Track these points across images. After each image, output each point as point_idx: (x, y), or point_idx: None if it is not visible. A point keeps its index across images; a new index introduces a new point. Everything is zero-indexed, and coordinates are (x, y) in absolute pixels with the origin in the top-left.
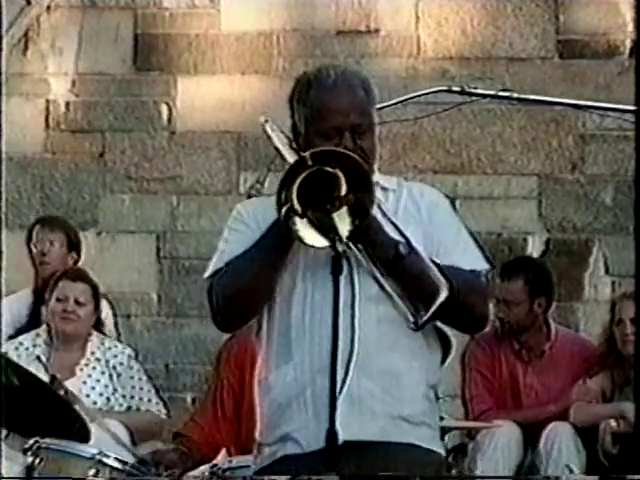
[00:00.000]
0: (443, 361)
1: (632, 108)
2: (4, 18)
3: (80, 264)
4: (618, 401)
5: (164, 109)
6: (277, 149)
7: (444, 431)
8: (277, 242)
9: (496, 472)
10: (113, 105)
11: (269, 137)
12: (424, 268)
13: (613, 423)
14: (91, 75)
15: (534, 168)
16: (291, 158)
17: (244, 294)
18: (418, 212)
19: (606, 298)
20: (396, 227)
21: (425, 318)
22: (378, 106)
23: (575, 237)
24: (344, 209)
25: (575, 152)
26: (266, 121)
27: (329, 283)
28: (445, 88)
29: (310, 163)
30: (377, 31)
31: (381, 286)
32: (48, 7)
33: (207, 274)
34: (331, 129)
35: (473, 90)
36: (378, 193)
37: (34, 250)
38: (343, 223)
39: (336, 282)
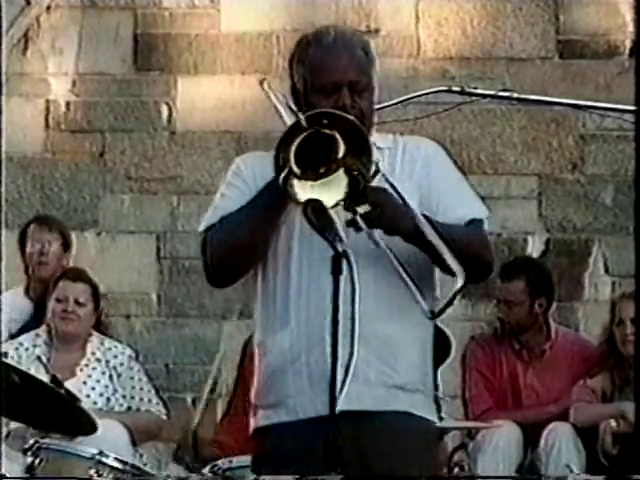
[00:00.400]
0: (442, 362)
1: (632, 108)
2: (4, 18)
3: (80, 264)
4: (618, 401)
5: (164, 109)
6: (275, 108)
7: (443, 431)
8: (273, 200)
9: (496, 472)
10: (113, 105)
11: (268, 97)
12: (437, 250)
13: (613, 423)
14: (91, 75)
15: (534, 168)
16: (289, 118)
17: (237, 250)
18: (414, 167)
19: (606, 298)
20: (403, 200)
21: (441, 307)
22: (378, 106)
23: (575, 237)
24: (341, 171)
25: (575, 152)
26: (264, 80)
27: (327, 249)
28: (445, 88)
29: (305, 125)
30: (377, 31)
31: (395, 268)
32: (48, 7)
33: (201, 228)
34: (329, 85)
35: (473, 90)
36: (375, 154)
37: (30, 249)
38: (339, 185)
39: (336, 280)
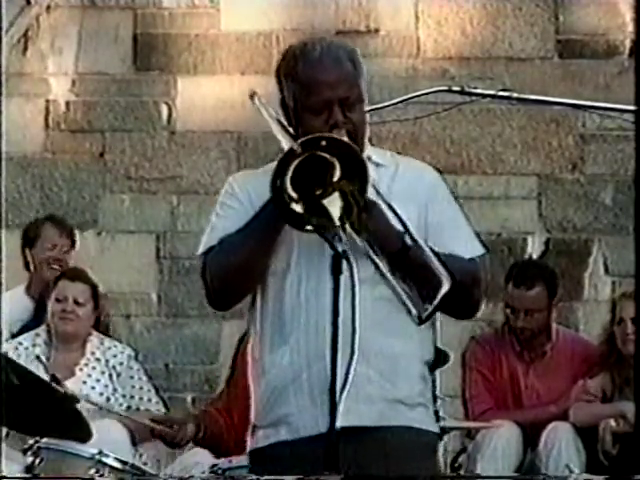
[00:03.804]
0: (436, 367)
1: (632, 108)
2: (4, 18)
3: (80, 264)
4: (618, 401)
5: (164, 109)
6: (269, 122)
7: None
8: (270, 221)
9: (496, 472)
10: (113, 105)
11: (259, 110)
12: (426, 259)
13: (613, 423)
14: (91, 75)
15: (534, 168)
16: (279, 134)
17: (237, 273)
18: (416, 193)
19: (606, 298)
20: (397, 215)
21: (429, 311)
22: (378, 106)
23: (575, 237)
24: (336, 194)
25: (575, 152)
26: (254, 94)
27: (325, 266)
28: (445, 88)
29: (300, 151)
30: (377, 31)
31: (382, 274)
32: (48, 7)
33: (200, 251)
34: (320, 103)
35: (473, 90)
36: (371, 170)
37: (42, 251)
38: (334, 208)
39: (336, 280)
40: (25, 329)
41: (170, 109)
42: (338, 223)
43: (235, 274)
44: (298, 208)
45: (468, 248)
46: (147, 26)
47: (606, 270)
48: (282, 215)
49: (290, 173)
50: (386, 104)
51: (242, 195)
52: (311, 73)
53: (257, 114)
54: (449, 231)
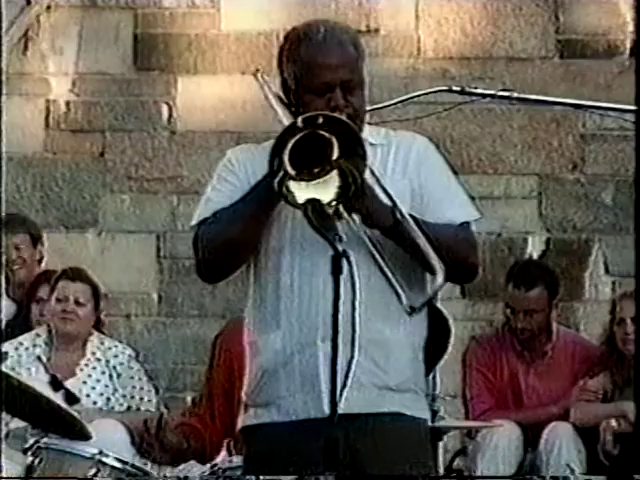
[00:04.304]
0: (443, 351)
1: (632, 108)
2: (4, 18)
3: (80, 264)
4: (619, 401)
5: (164, 109)
6: (268, 100)
7: (441, 431)
8: (265, 197)
9: (496, 472)
10: (113, 105)
11: (261, 87)
12: (419, 241)
13: (614, 423)
14: (91, 75)
15: (534, 168)
16: (281, 112)
17: (229, 246)
18: (406, 165)
19: (606, 298)
20: (390, 198)
21: (420, 303)
22: (378, 106)
23: (575, 237)
24: (334, 172)
25: (575, 152)
26: (258, 70)
27: (319, 249)
28: (445, 88)
29: (302, 126)
30: (377, 31)
31: (375, 260)
32: (48, 7)
33: (193, 222)
34: (321, 85)
35: (473, 90)
36: (368, 155)
37: (9, 253)
38: (332, 186)
39: (336, 281)
40: (9, 331)
41: (170, 109)
42: (333, 203)
43: (227, 246)
44: (295, 185)
45: (461, 213)
46: (147, 26)
47: (606, 270)
48: (279, 191)
49: (289, 149)
50: (386, 104)
51: (240, 170)
52: (314, 55)
53: (257, 114)
54: (442, 198)
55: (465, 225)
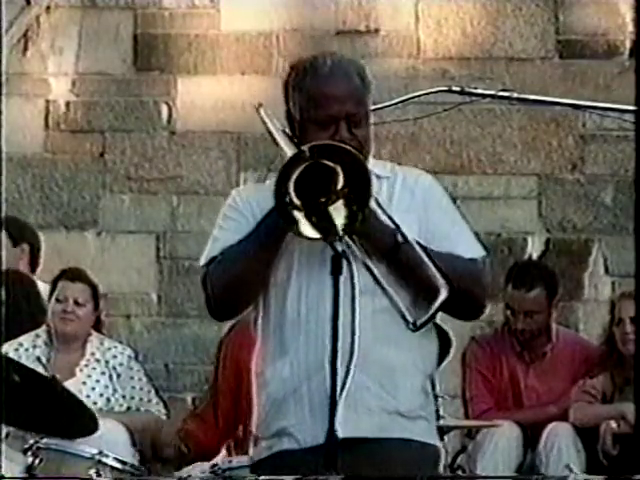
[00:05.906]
0: (441, 361)
1: (632, 108)
2: (4, 18)
3: (80, 264)
4: (618, 402)
5: (164, 109)
6: (270, 134)
7: (442, 431)
8: (271, 232)
9: (496, 472)
10: (113, 105)
11: (263, 122)
12: (423, 265)
13: (613, 424)
14: (91, 75)
15: (534, 168)
16: (285, 145)
17: (239, 284)
18: (412, 199)
19: (606, 298)
20: (392, 221)
21: (424, 319)
22: (378, 106)
23: (575, 237)
24: (340, 202)
25: (575, 152)
26: (260, 105)
27: (325, 278)
28: (445, 88)
29: (308, 155)
30: (377, 31)
31: (378, 281)
32: (48, 7)
33: (202, 262)
34: (327, 118)
35: (473, 90)
36: (374, 186)
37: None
38: (338, 216)
39: (336, 281)
40: None
41: (170, 109)
42: (342, 233)
43: (236, 284)
44: (301, 215)
45: (469, 249)
46: (147, 26)
47: (606, 270)
48: (285, 222)
49: (293, 180)
50: (386, 104)
51: (245, 208)
52: (320, 86)
53: (257, 114)
54: (449, 234)
55: (473, 261)
